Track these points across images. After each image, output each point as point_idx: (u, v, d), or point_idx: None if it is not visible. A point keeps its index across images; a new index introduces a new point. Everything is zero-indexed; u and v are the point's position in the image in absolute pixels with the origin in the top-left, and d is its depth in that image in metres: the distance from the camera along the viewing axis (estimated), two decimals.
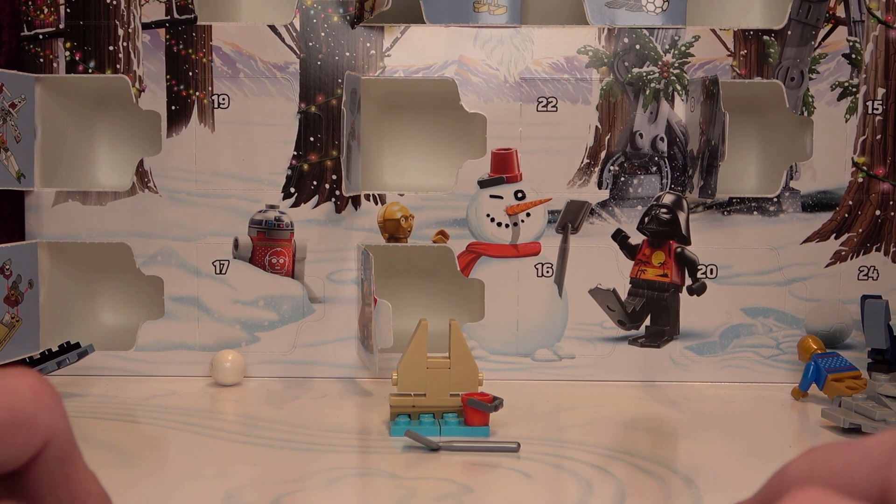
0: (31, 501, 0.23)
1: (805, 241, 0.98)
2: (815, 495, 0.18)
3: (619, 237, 0.99)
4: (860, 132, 0.97)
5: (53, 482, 0.23)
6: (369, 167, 1.04)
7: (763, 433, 0.81)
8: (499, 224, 0.99)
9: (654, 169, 0.98)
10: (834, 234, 0.98)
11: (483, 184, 0.98)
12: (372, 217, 0.99)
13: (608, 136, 0.98)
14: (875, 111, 0.97)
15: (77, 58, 0.98)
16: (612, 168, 0.98)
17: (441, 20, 0.97)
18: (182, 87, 0.98)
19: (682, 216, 0.98)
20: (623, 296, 0.99)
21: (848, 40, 0.97)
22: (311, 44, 0.98)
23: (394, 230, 0.98)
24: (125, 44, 0.98)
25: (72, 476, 0.23)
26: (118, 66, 0.98)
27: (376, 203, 0.99)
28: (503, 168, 0.98)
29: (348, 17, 0.97)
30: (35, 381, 0.22)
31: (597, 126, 0.98)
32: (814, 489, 0.19)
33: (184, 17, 0.98)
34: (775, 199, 0.98)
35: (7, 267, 0.91)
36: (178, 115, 0.98)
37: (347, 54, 0.98)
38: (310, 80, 0.98)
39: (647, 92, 0.98)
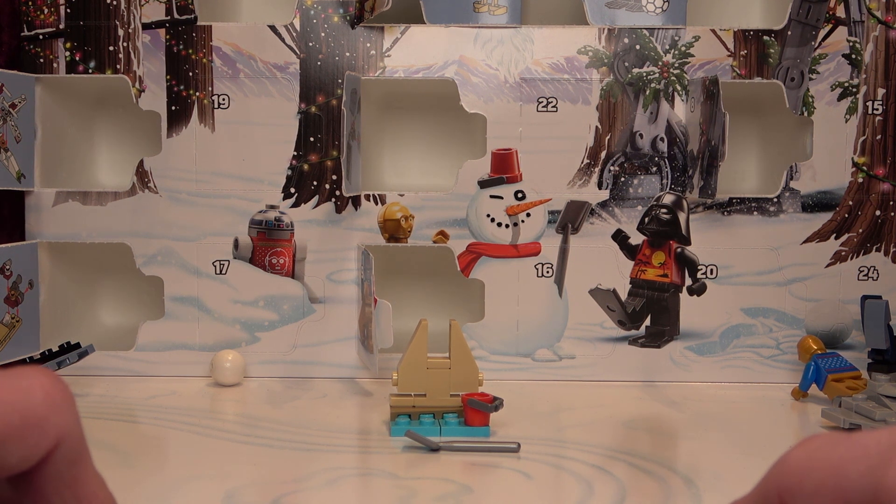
0: (36, 501, 0.23)
1: (805, 242, 0.98)
2: None
3: (619, 237, 0.98)
4: (860, 132, 0.97)
5: (61, 483, 0.23)
6: (369, 167, 1.04)
7: (763, 433, 0.81)
8: (499, 224, 0.99)
9: (654, 169, 0.98)
10: (834, 235, 0.98)
11: (483, 184, 0.98)
12: (372, 217, 0.99)
13: (608, 137, 0.98)
14: (875, 111, 0.97)
15: (77, 58, 0.98)
16: (612, 168, 0.98)
17: (441, 20, 0.97)
18: (182, 87, 0.98)
19: (682, 216, 0.98)
20: (623, 296, 0.99)
21: (848, 40, 0.97)
22: (311, 44, 0.98)
23: (394, 230, 0.98)
24: (125, 44, 0.98)
25: (79, 478, 0.23)
26: (118, 67, 0.98)
27: (376, 203, 0.99)
28: (503, 168, 0.98)
29: (348, 18, 0.98)
30: (48, 381, 0.22)
31: (597, 126, 0.98)
32: None
33: (184, 17, 0.98)
34: (775, 200, 0.98)
35: (7, 267, 0.91)
36: (178, 116, 0.98)
37: (347, 54, 0.98)
38: (310, 80, 0.98)
39: (647, 92, 0.98)
